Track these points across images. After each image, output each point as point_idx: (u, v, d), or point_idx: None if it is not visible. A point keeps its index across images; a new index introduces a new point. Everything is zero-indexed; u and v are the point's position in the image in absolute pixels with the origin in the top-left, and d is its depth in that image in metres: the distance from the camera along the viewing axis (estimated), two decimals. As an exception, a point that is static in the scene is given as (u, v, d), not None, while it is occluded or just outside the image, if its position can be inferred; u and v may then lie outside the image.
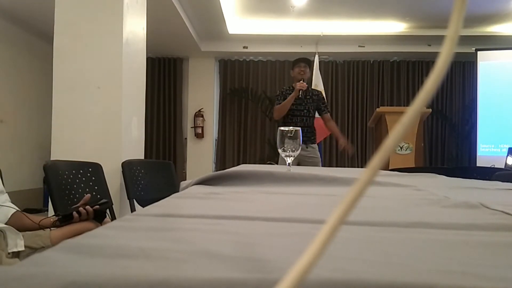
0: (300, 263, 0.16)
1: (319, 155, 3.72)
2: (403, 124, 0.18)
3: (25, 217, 1.54)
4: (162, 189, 2.57)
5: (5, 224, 1.49)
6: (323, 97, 3.80)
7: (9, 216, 1.51)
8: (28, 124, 5.18)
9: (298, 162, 3.49)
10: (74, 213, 1.49)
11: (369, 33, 5.57)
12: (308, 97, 3.62)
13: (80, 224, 1.49)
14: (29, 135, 5.18)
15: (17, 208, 1.56)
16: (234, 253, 0.33)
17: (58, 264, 0.28)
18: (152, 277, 0.25)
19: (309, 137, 3.59)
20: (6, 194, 1.57)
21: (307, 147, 3.57)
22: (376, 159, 0.18)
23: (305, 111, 3.60)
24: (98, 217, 1.61)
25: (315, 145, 3.69)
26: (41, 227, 1.51)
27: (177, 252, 0.32)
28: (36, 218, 1.57)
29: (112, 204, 1.73)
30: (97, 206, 1.59)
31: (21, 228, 1.50)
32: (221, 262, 0.30)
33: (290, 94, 3.55)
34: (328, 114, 3.75)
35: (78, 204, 1.60)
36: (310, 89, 3.71)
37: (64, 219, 1.50)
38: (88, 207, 1.53)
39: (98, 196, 1.98)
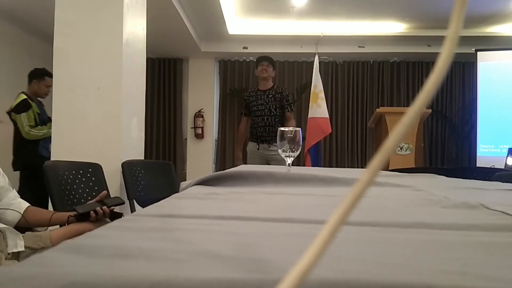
0: (301, 263, 0.16)
1: None
2: (403, 125, 0.18)
3: (39, 211, 1.54)
4: (162, 189, 2.57)
5: (20, 219, 1.49)
6: (287, 94, 3.68)
7: (22, 212, 1.51)
8: (28, 124, 5.17)
9: (267, 161, 3.54)
10: (92, 212, 1.50)
11: (369, 33, 5.56)
12: (270, 95, 3.61)
13: (80, 224, 1.49)
14: (29, 135, 5.16)
15: (28, 204, 1.56)
16: (234, 253, 0.33)
17: (58, 265, 0.28)
18: (152, 277, 0.25)
19: (272, 137, 3.54)
20: (14, 190, 1.57)
21: (269, 147, 3.57)
22: (376, 160, 0.18)
23: (266, 110, 3.60)
24: (114, 218, 1.59)
25: None
26: (51, 223, 1.51)
27: (177, 252, 0.32)
28: (49, 212, 1.56)
29: (124, 203, 1.74)
30: (113, 207, 1.59)
31: (36, 223, 1.51)
32: (221, 262, 0.30)
33: (255, 96, 3.65)
34: (291, 113, 3.66)
35: (94, 200, 1.60)
36: (274, 87, 3.69)
37: (81, 217, 1.51)
38: (105, 207, 1.54)
39: (117, 195, 1.97)
